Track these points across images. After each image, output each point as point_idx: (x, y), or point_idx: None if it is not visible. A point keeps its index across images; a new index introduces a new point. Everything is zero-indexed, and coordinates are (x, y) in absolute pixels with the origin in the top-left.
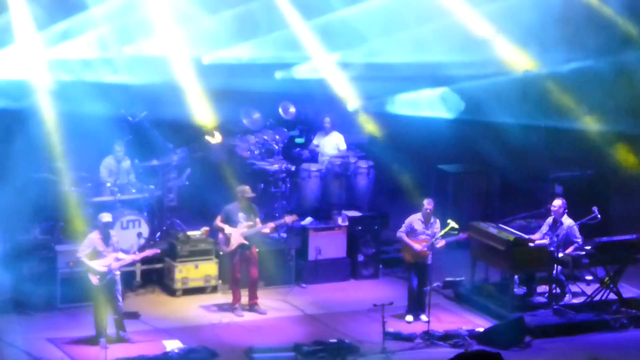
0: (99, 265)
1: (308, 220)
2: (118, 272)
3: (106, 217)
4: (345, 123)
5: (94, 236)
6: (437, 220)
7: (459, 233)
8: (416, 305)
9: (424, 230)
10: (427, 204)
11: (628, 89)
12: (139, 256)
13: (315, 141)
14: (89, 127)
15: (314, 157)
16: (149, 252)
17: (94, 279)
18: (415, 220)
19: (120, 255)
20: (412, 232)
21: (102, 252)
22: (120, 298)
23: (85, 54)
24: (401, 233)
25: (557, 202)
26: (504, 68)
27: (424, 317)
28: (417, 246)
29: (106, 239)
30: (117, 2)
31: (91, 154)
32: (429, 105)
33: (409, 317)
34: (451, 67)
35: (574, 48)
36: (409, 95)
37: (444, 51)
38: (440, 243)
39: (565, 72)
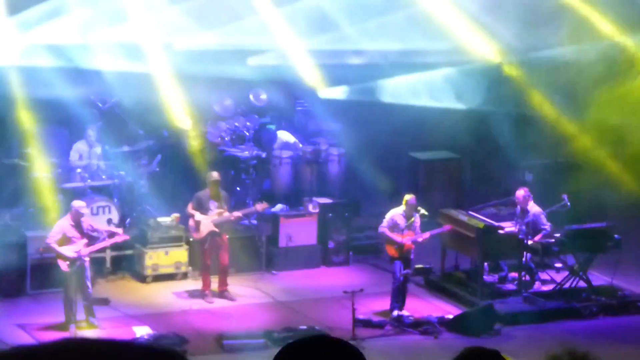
0: (68, 251)
1: (279, 207)
2: (88, 259)
3: (80, 205)
4: (316, 110)
5: (64, 222)
6: (418, 215)
7: (427, 218)
8: (402, 298)
9: (406, 225)
10: (410, 199)
11: (593, 79)
12: (109, 242)
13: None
14: (59, 112)
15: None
16: (118, 238)
17: (64, 265)
18: (397, 215)
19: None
20: (394, 226)
21: (72, 238)
22: (89, 284)
23: (57, 39)
24: (383, 228)
25: (520, 193)
26: (474, 56)
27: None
28: (403, 240)
29: (77, 225)
30: None
31: (62, 140)
32: (401, 92)
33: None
34: (421, 55)
35: (543, 37)
36: (380, 82)
37: (414, 38)
38: (424, 236)
39: (534, 60)
